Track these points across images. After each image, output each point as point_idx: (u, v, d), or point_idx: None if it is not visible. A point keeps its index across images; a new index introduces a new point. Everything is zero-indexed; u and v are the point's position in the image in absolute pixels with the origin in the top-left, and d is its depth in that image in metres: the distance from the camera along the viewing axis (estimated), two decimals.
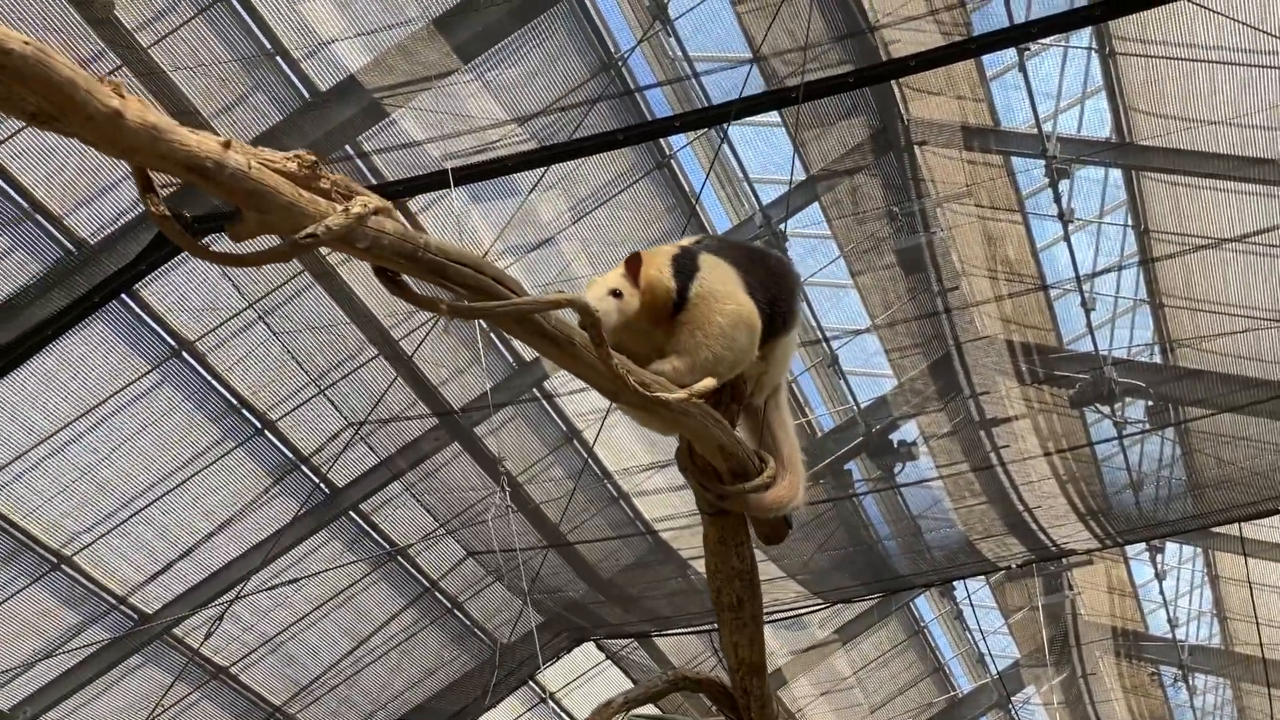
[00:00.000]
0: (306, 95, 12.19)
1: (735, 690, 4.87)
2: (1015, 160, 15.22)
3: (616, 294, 4.33)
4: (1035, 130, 14.83)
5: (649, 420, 4.25)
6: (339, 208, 3.12)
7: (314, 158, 3.15)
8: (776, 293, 4.56)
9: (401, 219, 3.30)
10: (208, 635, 14.19)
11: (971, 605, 21.04)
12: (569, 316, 3.64)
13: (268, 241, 3.19)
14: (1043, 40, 13.72)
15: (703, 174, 15.07)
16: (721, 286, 4.43)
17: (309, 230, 3.00)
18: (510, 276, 3.47)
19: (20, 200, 11.70)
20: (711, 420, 4.21)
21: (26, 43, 2.58)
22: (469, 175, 11.62)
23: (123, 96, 2.84)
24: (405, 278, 3.33)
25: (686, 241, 4.63)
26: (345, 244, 3.11)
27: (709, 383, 4.20)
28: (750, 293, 4.48)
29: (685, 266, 4.46)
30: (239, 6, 11.69)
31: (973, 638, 22.33)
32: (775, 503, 4.54)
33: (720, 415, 4.32)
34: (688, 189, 14.56)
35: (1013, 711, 23.77)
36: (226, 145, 2.94)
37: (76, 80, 2.66)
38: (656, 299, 4.39)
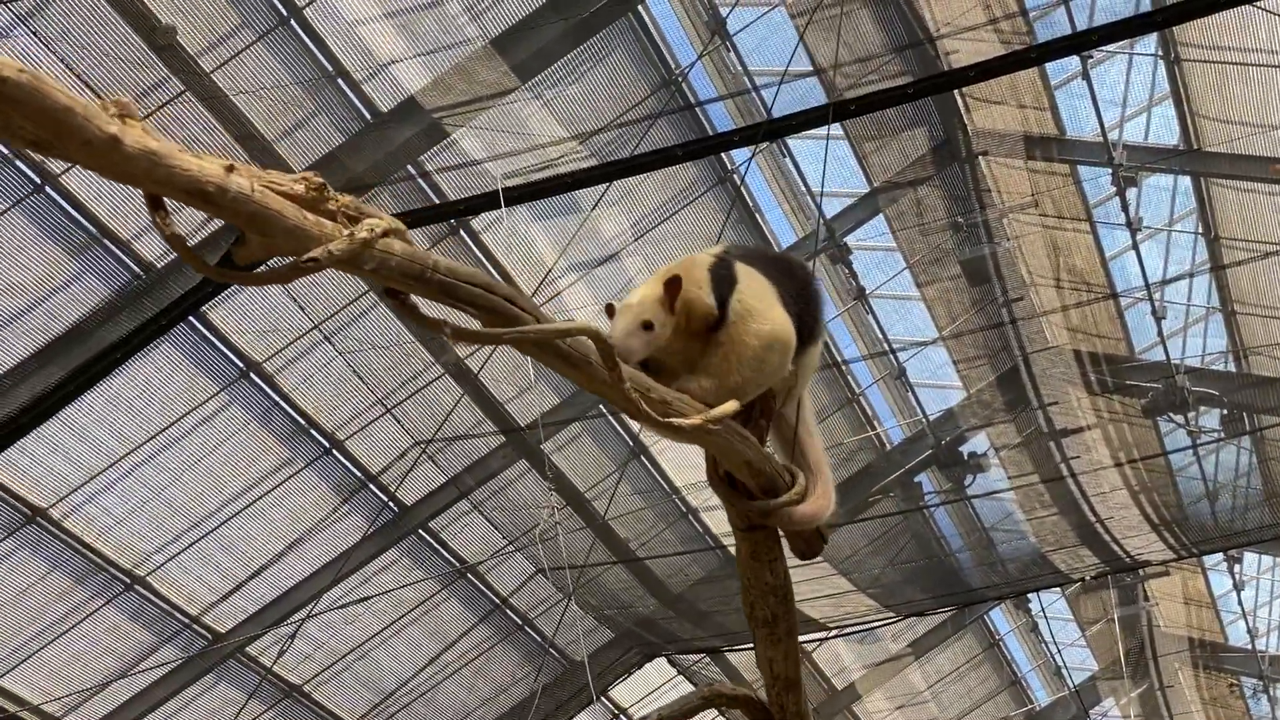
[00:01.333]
0: (368, 117, 12.27)
1: (771, 706, 4.85)
2: (1082, 169, 15.11)
3: (649, 326, 4.29)
4: (1101, 138, 14.72)
5: (674, 435, 4.22)
6: (345, 231, 3.13)
7: (321, 180, 3.17)
8: (804, 304, 4.53)
9: (412, 240, 3.31)
10: (280, 654, 14.30)
11: (1045, 617, 20.87)
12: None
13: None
14: (1106, 48, 13.60)
15: (767, 188, 15.08)
16: (758, 303, 4.37)
17: (311, 254, 3.02)
18: (524, 296, 3.48)
19: (89, 225, 11.84)
20: (737, 437, 4.19)
21: (21, 70, 2.62)
22: (527, 193, 11.66)
23: (126, 120, 2.87)
24: (415, 299, 3.35)
25: (717, 249, 4.60)
26: (351, 266, 3.13)
27: (730, 406, 4.15)
28: (785, 305, 4.45)
29: (724, 278, 4.40)
30: (300, 30, 11.79)
31: (1049, 650, 22.14)
32: (806, 519, 4.51)
33: (748, 432, 4.30)
34: (751, 204, 14.58)
35: None
36: (230, 169, 2.97)
37: (73, 107, 2.70)
38: (695, 317, 4.34)
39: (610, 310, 4.38)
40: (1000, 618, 21.58)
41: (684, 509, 16.25)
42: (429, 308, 3.52)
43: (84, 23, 10.87)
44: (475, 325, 3.48)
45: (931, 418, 16.94)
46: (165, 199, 3.09)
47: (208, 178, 2.91)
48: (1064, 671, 22.37)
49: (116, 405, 12.85)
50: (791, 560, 4.85)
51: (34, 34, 10.84)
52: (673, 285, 4.33)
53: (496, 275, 13.57)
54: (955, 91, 13.73)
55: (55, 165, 11.44)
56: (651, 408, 3.84)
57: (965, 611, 19.61)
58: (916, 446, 17.04)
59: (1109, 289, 15.83)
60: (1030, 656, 22.78)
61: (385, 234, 3.21)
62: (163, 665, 14.46)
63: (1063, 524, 16.77)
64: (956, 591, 17.78)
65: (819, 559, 4.97)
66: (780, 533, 4.60)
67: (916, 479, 17.09)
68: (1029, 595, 19.69)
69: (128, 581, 13.91)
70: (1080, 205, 15.28)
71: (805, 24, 12.52)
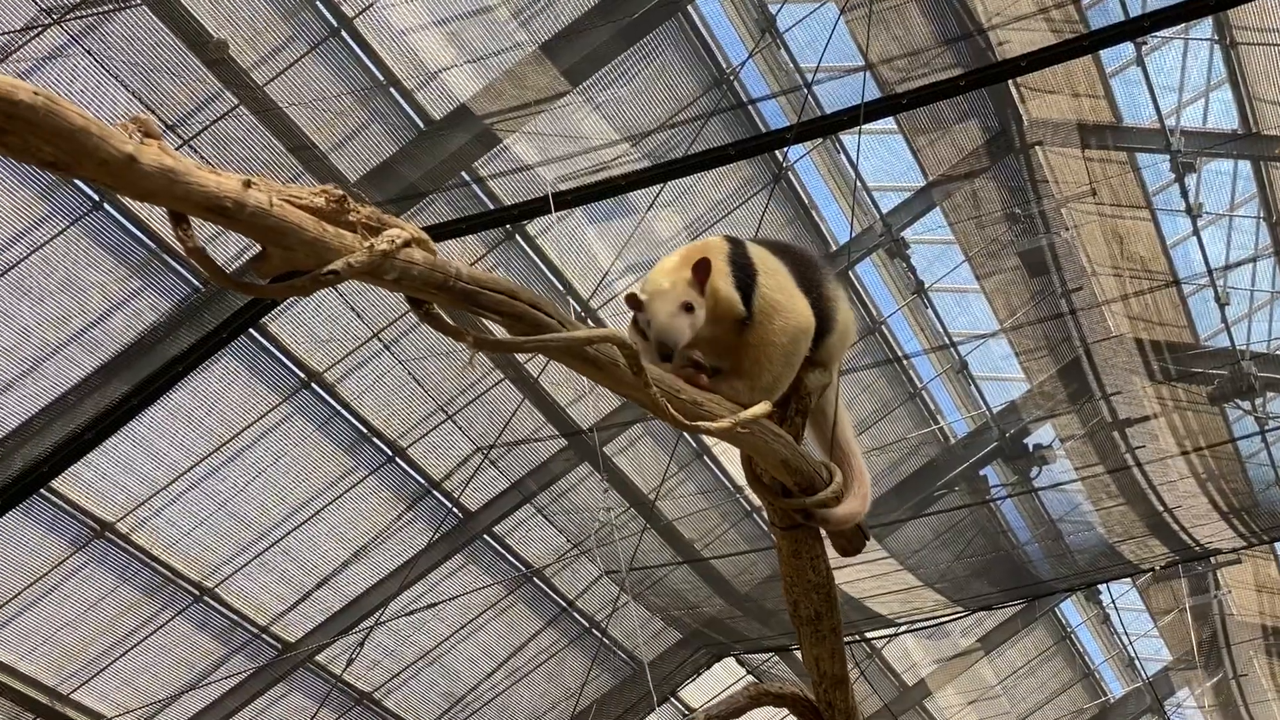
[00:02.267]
0: (421, 125, 12.32)
1: (819, 704, 4.84)
2: (1140, 156, 14.99)
3: (689, 308, 4.17)
4: (1158, 125, 14.60)
5: (707, 435, 4.22)
6: (366, 243, 3.15)
7: (341, 192, 3.20)
8: (810, 285, 4.46)
9: (435, 249, 3.33)
10: (349, 662, 14.36)
11: (1116, 609, 20.71)
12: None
13: None
14: (1160, 33, 13.50)
15: (822, 184, 15.05)
16: (780, 295, 4.32)
17: (331, 266, 3.04)
18: (548, 301, 3.49)
19: (148, 241, 11.94)
20: (772, 435, 4.19)
21: (36, 93, 2.65)
22: (580, 197, 11.67)
23: (147, 138, 2.90)
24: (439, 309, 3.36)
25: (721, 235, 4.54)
26: (372, 277, 3.15)
27: (762, 408, 4.13)
28: (800, 288, 4.41)
29: (744, 267, 4.32)
30: (351, 41, 11.86)
31: (1121, 641, 21.98)
32: (845, 515, 4.50)
33: (783, 430, 4.29)
34: (806, 200, 14.55)
35: (1167, 716, 23.36)
36: (247, 184, 2.99)
37: (89, 127, 2.72)
38: (722, 314, 4.26)
39: (630, 299, 4.28)
40: (1071, 610, 21.44)
41: (748, 507, 16.23)
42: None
43: (137, 40, 10.96)
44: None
45: (995, 410, 16.87)
46: (187, 216, 3.12)
47: (225, 193, 2.94)
48: (1137, 663, 22.21)
49: (180, 418, 12.96)
50: (859, 557, 4.83)
51: (88, 53, 10.94)
52: (701, 268, 4.22)
53: (554, 278, 13.64)
54: (1008, 82, 13.66)
55: None
56: (681, 410, 3.84)
57: (1035, 604, 19.49)
58: (980, 440, 16.97)
59: (1171, 276, 15.71)
60: (1103, 648, 22.63)
61: (406, 244, 3.23)
62: (233, 675, 14.57)
63: (1130, 514, 16.66)
64: (1025, 584, 17.68)
65: (870, 556, 4.96)
66: (821, 530, 4.59)
67: (982, 472, 17.02)
68: (1099, 586, 19.54)
69: (196, 593, 14.02)
70: (1139, 193, 15.16)
71: (844, 19, 12.49)
